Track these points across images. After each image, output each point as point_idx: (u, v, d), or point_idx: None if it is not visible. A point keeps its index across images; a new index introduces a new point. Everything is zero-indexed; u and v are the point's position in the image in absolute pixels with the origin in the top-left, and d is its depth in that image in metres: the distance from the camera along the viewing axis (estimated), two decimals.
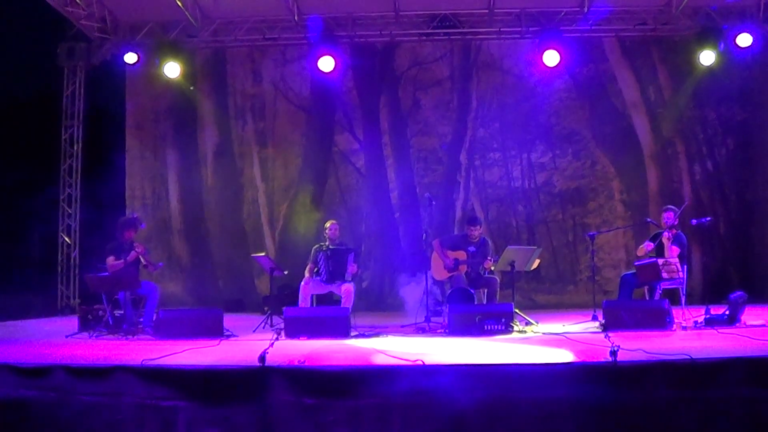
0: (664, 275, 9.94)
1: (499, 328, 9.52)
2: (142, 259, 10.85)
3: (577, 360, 7.02)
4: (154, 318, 10.19)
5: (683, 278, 10.37)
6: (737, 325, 9.45)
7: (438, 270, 11.34)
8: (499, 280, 11.28)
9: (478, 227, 11.49)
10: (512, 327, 9.64)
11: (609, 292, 14.00)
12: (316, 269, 11.19)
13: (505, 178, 15.70)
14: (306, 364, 6.85)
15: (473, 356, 7.42)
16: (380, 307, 14.36)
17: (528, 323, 10.33)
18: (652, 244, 10.86)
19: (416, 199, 15.66)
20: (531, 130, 15.70)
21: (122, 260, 10.66)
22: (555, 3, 14.95)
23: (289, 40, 15.81)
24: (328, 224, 11.53)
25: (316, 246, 11.38)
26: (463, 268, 11.16)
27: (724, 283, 14.28)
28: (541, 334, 9.50)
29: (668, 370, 6.38)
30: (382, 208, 15.69)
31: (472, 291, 10.71)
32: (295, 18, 15.12)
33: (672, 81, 15.52)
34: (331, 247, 11.20)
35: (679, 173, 15.49)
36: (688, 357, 6.43)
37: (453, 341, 9.03)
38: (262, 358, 6.65)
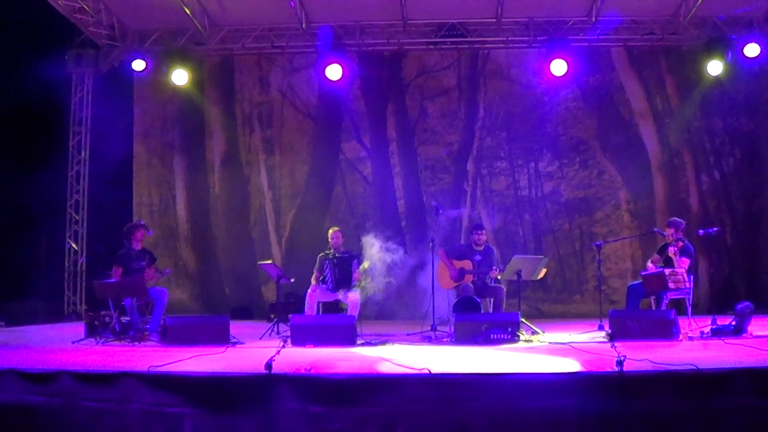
0: (671, 285, 9.94)
1: (506, 337, 9.51)
2: (151, 280, 10.94)
3: (584, 370, 7.01)
4: (161, 323, 10.18)
5: (690, 288, 10.36)
6: (744, 335, 9.42)
7: (444, 279, 11.34)
8: (505, 289, 11.26)
9: (483, 233, 11.51)
10: (518, 336, 9.62)
11: (615, 302, 14.00)
12: (322, 277, 11.20)
13: (512, 187, 15.72)
14: (312, 371, 6.84)
15: (479, 365, 7.41)
16: (386, 315, 14.35)
17: (534, 332, 10.31)
18: (659, 258, 10.84)
19: (423, 207, 15.68)
20: (538, 139, 15.73)
21: (129, 274, 10.72)
22: (563, 12, 14.98)
23: (297, 48, 15.87)
24: (330, 232, 11.54)
25: (322, 254, 11.39)
26: (469, 278, 11.16)
27: (731, 294, 14.29)
28: (547, 344, 9.48)
29: (674, 380, 6.37)
30: (389, 216, 15.69)
31: (478, 300, 10.71)
32: (303, 26, 15.16)
33: (679, 91, 15.55)
34: (337, 255, 11.20)
35: (686, 183, 15.50)
36: (695, 367, 6.42)
37: (459, 350, 9.02)
38: (268, 365, 6.65)
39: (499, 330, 9.54)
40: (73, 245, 15.78)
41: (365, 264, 10.98)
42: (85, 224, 15.85)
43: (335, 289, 11.03)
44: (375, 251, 10.98)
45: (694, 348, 8.64)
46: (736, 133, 15.43)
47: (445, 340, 10.13)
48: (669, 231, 10.73)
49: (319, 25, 15.10)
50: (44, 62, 14.07)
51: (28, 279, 14.98)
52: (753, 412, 6.23)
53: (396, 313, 14.39)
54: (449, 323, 10.57)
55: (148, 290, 10.72)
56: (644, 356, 7.01)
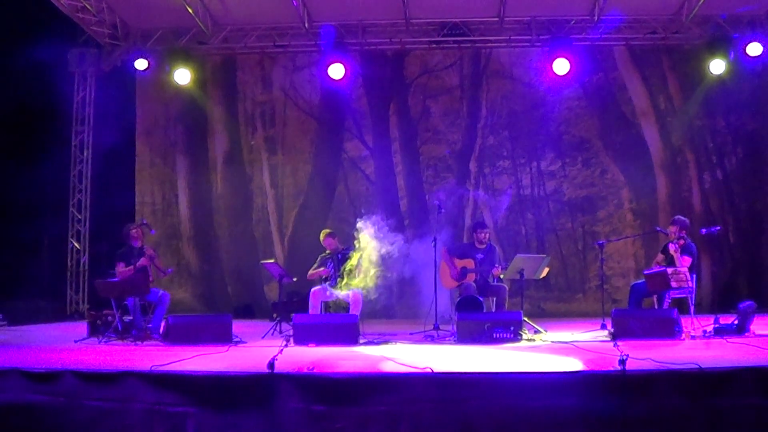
0: (673, 284, 9.92)
1: (508, 336, 9.51)
2: (152, 263, 10.92)
3: (586, 369, 7.01)
4: (162, 324, 10.18)
5: (692, 287, 10.35)
6: (746, 334, 9.42)
7: (446, 279, 11.35)
8: (507, 288, 11.27)
9: (486, 231, 11.52)
10: (521, 335, 9.62)
11: (618, 301, 14.01)
12: (325, 276, 11.24)
13: (514, 186, 15.70)
14: (315, 371, 6.85)
15: (482, 364, 7.42)
16: (389, 314, 14.35)
17: (537, 331, 10.31)
18: (662, 258, 10.83)
19: (425, 206, 15.68)
20: (540, 138, 15.71)
21: (132, 266, 10.71)
22: (565, 11, 14.96)
23: (300, 48, 15.86)
24: (322, 237, 11.55)
25: (324, 254, 11.43)
26: (472, 277, 11.16)
27: (734, 293, 14.27)
28: (549, 343, 9.49)
29: (677, 379, 6.37)
30: (392, 215, 15.67)
31: (480, 299, 10.70)
32: (306, 25, 15.15)
33: (682, 90, 15.53)
34: (339, 254, 11.23)
35: (689, 182, 15.48)
36: (697, 366, 6.42)
37: (461, 349, 9.03)
38: (271, 364, 6.66)
39: (501, 329, 9.54)
40: (76, 244, 15.79)
41: (353, 258, 10.95)
42: (87, 223, 15.85)
43: (337, 284, 11.05)
44: (368, 241, 10.92)
45: (697, 347, 8.64)
46: (738, 132, 15.41)
47: (447, 339, 10.13)
48: (672, 229, 10.72)
49: (321, 24, 15.08)
50: (47, 61, 14.06)
51: (31, 278, 15.00)
52: (756, 411, 6.23)
53: (398, 312, 14.41)
54: (452, 322, 10.58)
55: (150, 291, 10.75)
56: (647, 355, 7.03)
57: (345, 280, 10.94)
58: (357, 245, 10.91)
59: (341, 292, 11.02)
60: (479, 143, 15.83)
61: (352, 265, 10.93)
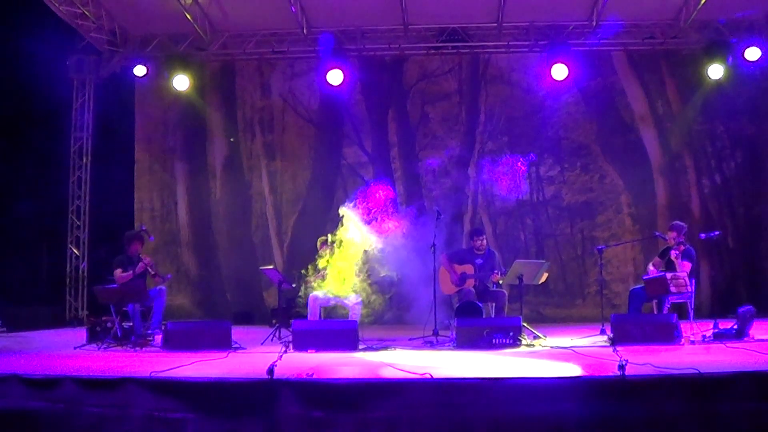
0: (673, 289, 9.90)
1: (507, 341, 9.50)
2: (150, 270, 10.93)
3: (585, 374, 7.00)
4: (162, 327, 10.17)
5: (691, 292, 10.33)
6: (745, 339, 9.41)
7: (446, 284, 11.35)
8: (507, 294, 11.27)
9: (483, 238, 11.53)
10: (520, 341, 9.60)
11: (617, 306, 13.99)
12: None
13: (513, 192, 15.69)
14: (314, 377, 6.84)
15: (481, 370, 7.40)
16: (388, 320, 14.33)
17: (536, 337, 10.30)
18: (660, 269, 10.81)
19: (425, 211, 15.66)
20: (539, 143, 15.70)
21: (130, 272, 10.73)
22: (563, 17, 14.99)
23: (298, 54, 15.88)
24: (319, 243, 11.53)
25: None
26: (471, 282, 11.16)
27: (733, 297, 14.27)
28: (549, 348, 9.47)
29: (676, 384, 6.36)
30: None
31: (479, 304, 10.70)
32: (304, 31, 15.18)
33: (680, 94, 15.54)
34: None
35: (688, 187, 15.48)
36: (696, 371, 6.41)
37: (461, 355, 9.02)
38: (270, 370, 6.65)
39: (500, 334, 9.53)
40: (75, 251, 15.78)
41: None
42: (86, 230, 15.85)
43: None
44: (348, 236, 10.89)
45: (696, 352, 8.63)
46: (737, 136, 15.42)
47: (446, 345, 10.11)
48: (671, 234, 10.71)
49: (320, 30, 15.13)
50: (46, 68, 14.09)
51: (30, 284, 15.01)
52: (755, 416, 6.22)
53: (397, 318, 14.37)
54: (451, 328, 10.57)
55: (148, 292, 10.78)
56: (646, 360, 7.02)
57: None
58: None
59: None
60: (478, 149, 15.84)
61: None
